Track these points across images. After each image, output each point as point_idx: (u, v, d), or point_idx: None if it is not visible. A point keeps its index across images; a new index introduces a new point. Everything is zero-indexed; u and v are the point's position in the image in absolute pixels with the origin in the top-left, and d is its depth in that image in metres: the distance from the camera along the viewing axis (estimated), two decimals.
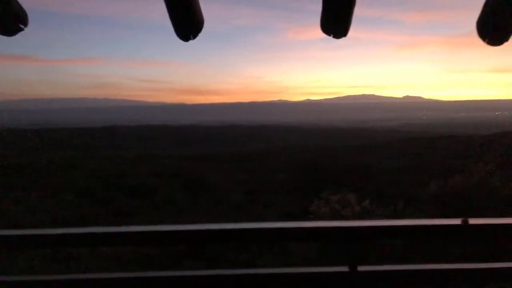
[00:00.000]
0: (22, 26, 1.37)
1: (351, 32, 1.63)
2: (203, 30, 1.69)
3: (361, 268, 1.83)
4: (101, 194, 21.36)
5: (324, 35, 1.62)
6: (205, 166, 41.07)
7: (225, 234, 1.93)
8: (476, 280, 1.95)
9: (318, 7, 1.57)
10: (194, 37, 1.78)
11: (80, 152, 49.21)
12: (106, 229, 2.13)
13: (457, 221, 1.88)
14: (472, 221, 1.97)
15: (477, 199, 9.08)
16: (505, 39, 1.66)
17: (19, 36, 1.42)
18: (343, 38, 1.65)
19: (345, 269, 1.83)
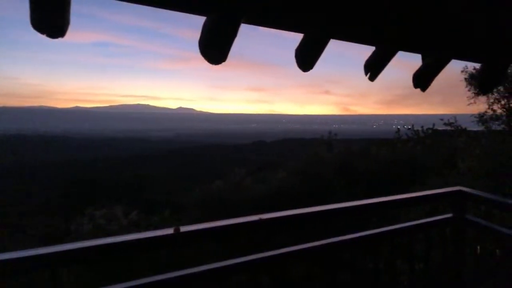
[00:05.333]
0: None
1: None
2: None
3: None
4: None
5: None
6: None
7: None
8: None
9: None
10: None
11: None
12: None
13: (171, 230, 1.95)
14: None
15: (232, 199, 10.40)
16: (223, 59, 1.82)
17: None
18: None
19: None
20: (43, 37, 1.39)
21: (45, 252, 1.66)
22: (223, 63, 1.77)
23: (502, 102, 10.56)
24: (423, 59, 2.56)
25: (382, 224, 2.86)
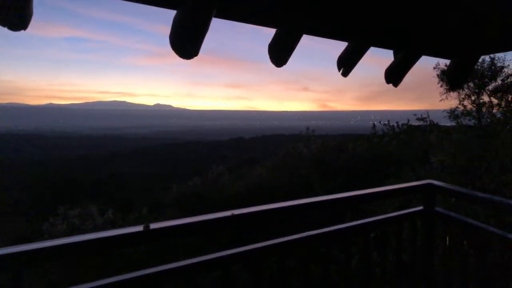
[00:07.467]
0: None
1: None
2: None
3: None
4: None
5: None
6: None
7: None
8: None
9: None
10: None
11: None
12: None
13: (140, 228, 1.91)
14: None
15: (210, 197, 10.37)
16: (194, 54, 1.80)
17: None
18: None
19: None
20: (7, 30, 1.34)
21: (7, 252, 1.58)
22: (202, 59, 1.75)
23: (472, 98, 10.88)
24: (394, 55, 2.61)
25: (356, 218, 2.91)
